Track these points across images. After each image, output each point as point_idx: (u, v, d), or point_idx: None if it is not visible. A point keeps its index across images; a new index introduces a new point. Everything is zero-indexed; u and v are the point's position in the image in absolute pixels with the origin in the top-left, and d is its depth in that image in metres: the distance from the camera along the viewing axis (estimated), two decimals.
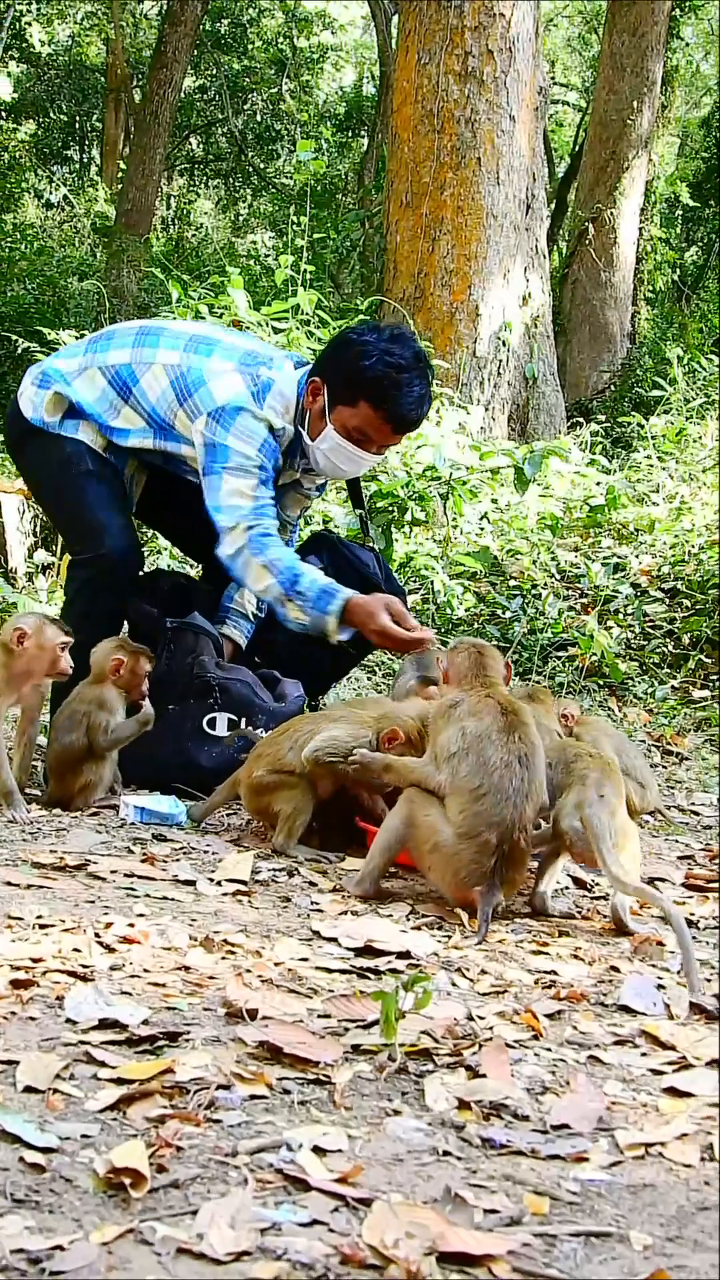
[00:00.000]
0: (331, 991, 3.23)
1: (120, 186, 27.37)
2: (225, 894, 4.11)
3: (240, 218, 33.32)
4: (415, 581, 9.30)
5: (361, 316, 12.71)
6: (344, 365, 5.47)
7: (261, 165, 32.27)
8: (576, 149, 24.80)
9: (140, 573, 5.93)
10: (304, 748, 4.73)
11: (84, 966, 3.21)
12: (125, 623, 5.92)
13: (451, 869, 4.08)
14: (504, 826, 4.01)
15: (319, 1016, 3.04)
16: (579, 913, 4.40)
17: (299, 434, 5.62)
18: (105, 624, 5.58)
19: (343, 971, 3.43)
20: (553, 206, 23.19)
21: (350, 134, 32.34)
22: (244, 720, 5.52)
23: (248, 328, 10.94)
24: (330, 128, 30.93)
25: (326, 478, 6.00)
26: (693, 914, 4.42)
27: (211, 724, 5.50)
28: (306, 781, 4.75)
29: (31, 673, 5.02)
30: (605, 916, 4.34)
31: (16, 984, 3.03)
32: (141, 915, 3.74)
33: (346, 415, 5.50)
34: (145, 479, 5.98)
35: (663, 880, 4.87)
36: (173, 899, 3.97)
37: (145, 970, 3.24)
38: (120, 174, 28.96)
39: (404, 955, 3.62)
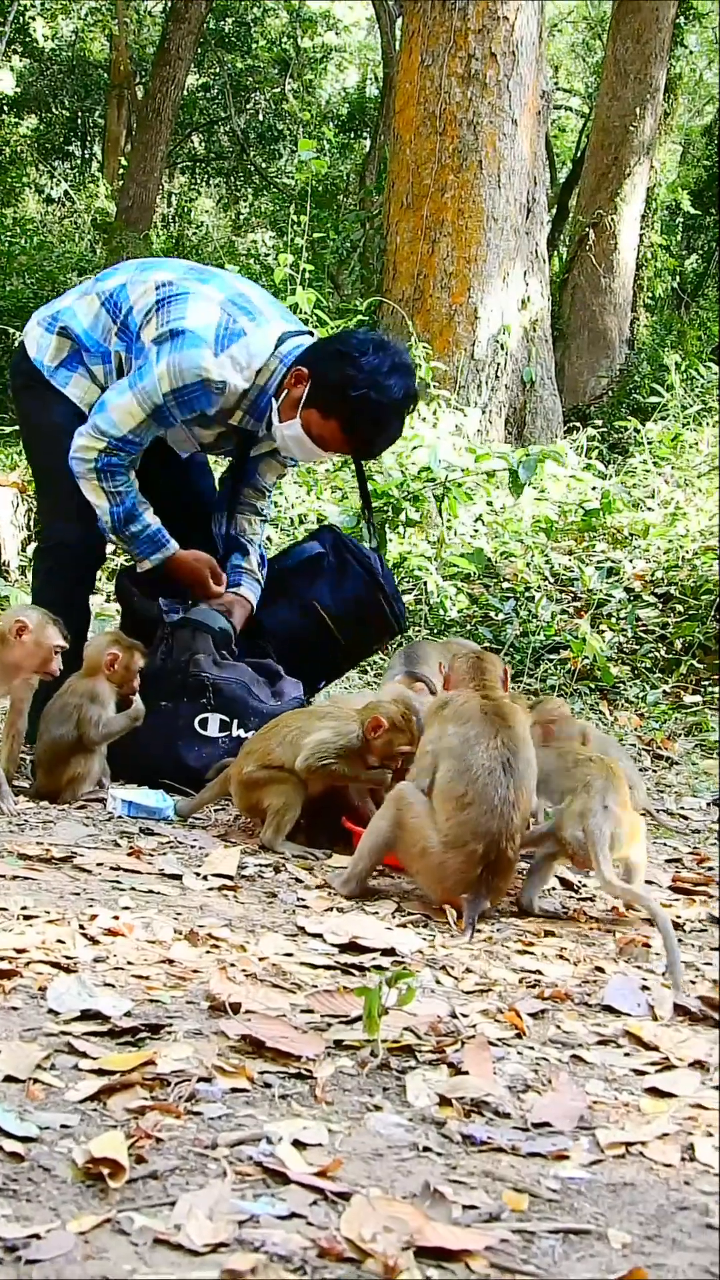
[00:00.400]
0: (315, 987, 3.23)
1: (121, 183, 27.40)
2: (211, 888, 4.11)
3: (241, 216, 33.34)
4: (409, 582, 9.31)
5: (360, 318, 12.72)
6: (333, 376, 5.40)
7: (263, 164, 32.29)
8: (578, 154, 24.83)
9: (100, 562, 5.96)
10: (292, 744, 4.75)
11: (67, 958, 3.21)
12: (121, 611, 5.93)
13: (438, 876, 4.08)
14: (491, 837, 4.01)
15: (302, 1011, 3.04)
16: (564, 912, 4.40)
17: (267, 402, 5.59)
18: (71, 614, 5.45)
19: (327, 967, 3.42)
20: (553, 211, 23.20)
21: (352, 135, 32.37)
22: (236, 722, 5.51)
23: None
24: (332, 128, 30.96)
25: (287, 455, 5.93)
26: (679, 916, 4.42)
27: (203, 724, 5.48)
28: (297, 778, 4.74)
29: (22, 667, 5.02)
30: (591, 917, 4.34)
31: (0, 974, 3.03)
32: (126, 908, 3.74)
33: (317, 421, 5.46)
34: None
35: (651, 883, 4.87)
36: (158, 892, 3.97)
37: (129, 962, 3.24)
38: (121, 170, 28.98)
39: (389, 952, 3.62)
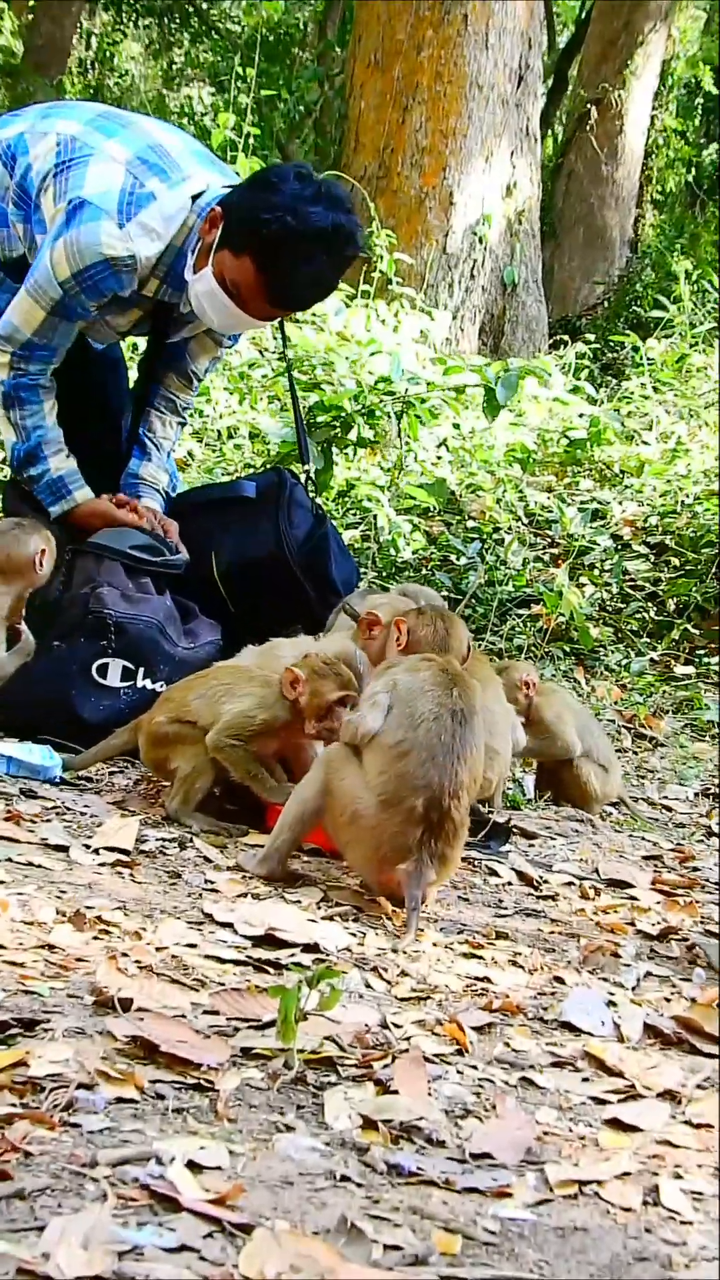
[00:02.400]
0: (222, 985, 3.24)
1: (30, 18, 27.09)
2: (103, 864, 4.11)
3: (174, 66, 33.04)
4: (356, 514, 9.29)
5: None
6: (246, 206, 5.35)
7: (204, 4, 32.01)
8: (583, 15, 24.70)
9: None
10: (212, 701, 4.76)
11: None
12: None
13: (372, 843, 4.08)
14: (431, 790, 4.01)
15: (205, 1012, 3.05)
16: (523, 910, 4.43)
17: (184, 265, 5.55)
18: None
19: (236, 962, 3.43)
20: (550, 82, 23.07)
21: None
22: (142, 670, 5.48)
23: None
24: None
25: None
26: (663, 920, 4.46)
27: (102, 671, 5.44)
28: None
29: None
30: (553, 919, 4.38)
31: None
32: (1, 882, 3.74)
33: (229, 263, 5.38)
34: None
35: (628, 885, 4.91)
36: (39, 866, 3.97)
37: (1, 946, 3.24)
38: (32, 2, 28.64)
39: (311, 948, 3.63)
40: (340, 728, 4.44)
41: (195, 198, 5.46)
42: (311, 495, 6.24)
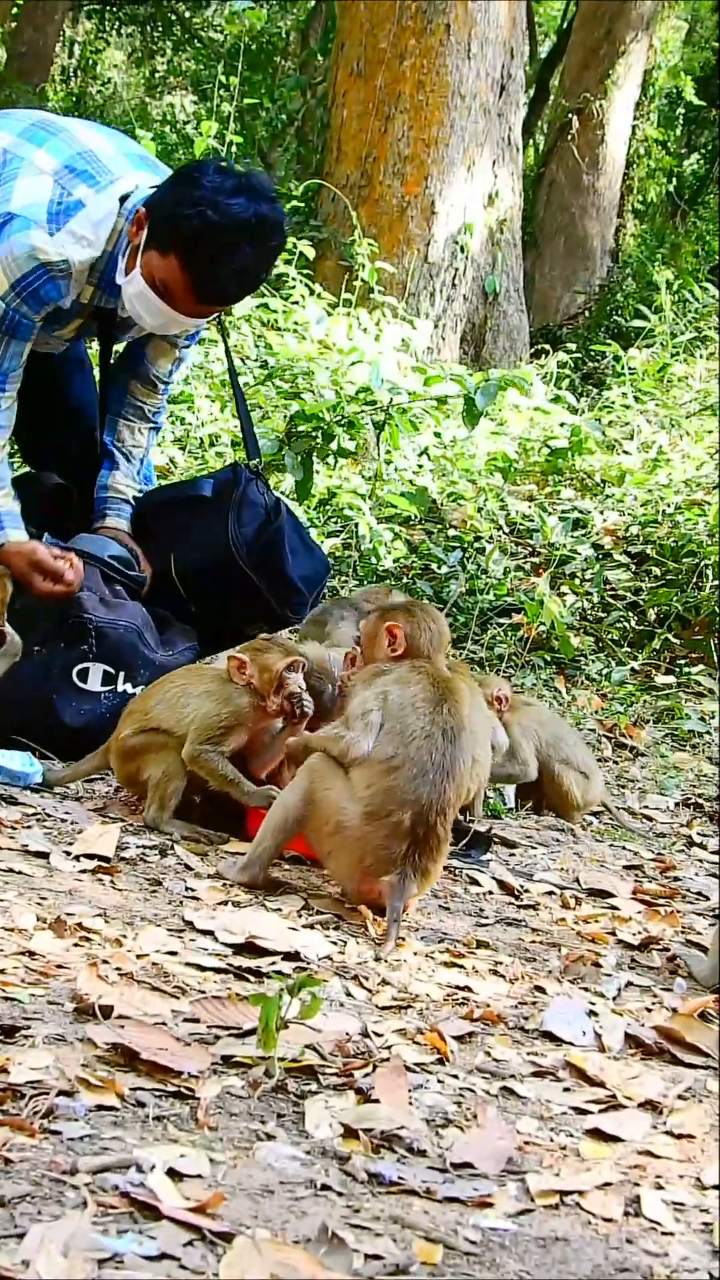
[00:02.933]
0: (202, 992, 3.23)
1: (14, 25, 27.09)
2: (83, 871, 4.10)
3: (157, 74, 33.05)
4: (337, 523, 9.29)
5: (296, 204, 12.68)
6: (169, 204, 5.30)
7: (186, 12, 32.02)
8: (565, 25, 24.73)
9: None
10: (173, 704, 4.78)
11: None
12: None
13: (355, 854, 4.08)
14: (419, 806, 4.02)
15: (185, 1020, 3.05)
16: (504, 919, 4.43)
17: (116, 265, 5.50)
18: None
19: (217, 970, 3.43)
20: (532, 92, 23.10)
21: None
22: (123, 675, 5.48)
23: None
24: None
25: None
26: (644, 930, 4.46)
27: (83, 675, 5.44)
28: (178, 741, 4.74)
29: None
30: (533, 928, 4.38)
31: None
32: None
33: (155, 263, 5.33)
34: None
35: (609, 895, 4.91)
36: (19, 872, 3.96)
37: None
38: (15, 10, 28.64)
39: (292, 956, 3.63)
40: (296, 697, 4.59)
41: (124, 200, 5.43)
42: (262, 492, 6.18)
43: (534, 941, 4.24)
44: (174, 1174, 2.34)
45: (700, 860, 5.71)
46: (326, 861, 4.27)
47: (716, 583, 9.04)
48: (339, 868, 4.20)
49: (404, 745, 4.04)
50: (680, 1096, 3.11)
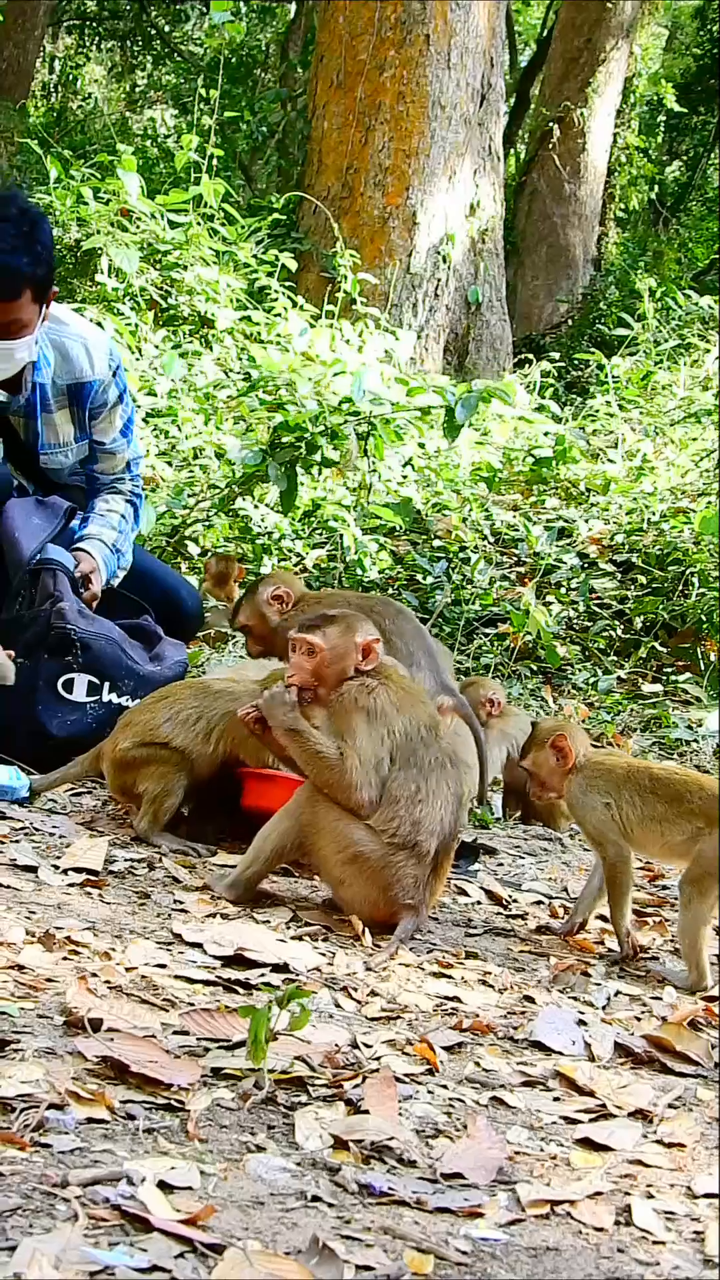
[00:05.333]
0: (192, 1005, 3.24)
1: None
2: (72, 884, 4.10)
3: (137, 89, 33.05)
4: (322, 534, 9.29)
5: (276, 215, 12.69)
6: None
7: (166, 27, 32.02)
8: (544, 33, 24.77)
9: None
10: (187, 724, 4.80)
11: None
12: None
13: (378, 883, 4.11)
14: (445, 833, 4.13)
15: (175, 1032, 3.05)
16: (493, 929, 4.43)
17: None
18: None
19: (207, 983, 3.44)
20: (512, 101, 23.15)
21: None
22: (107, 685, 5.49)
23: (139, 217, 10.89)
24: None
25: None
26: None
27: (68, 686, 5.45)
28: (181, 758, 4.75)
29: None
30: (521, 938, 4.38)
31: None
32: None
33: None
34: None
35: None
36: (8, 886, 3.96)
37: None
38: None
39: (281, 968, 3.64)
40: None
41: None
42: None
43: (523, 951, 4.24)
44: (165, 1186, 2.34)
45: None
46: (337, 889, 4.26)
47: (702, 590, 9.05)
48: (354, 895, 4.20)
49: (423, 778, 4.11)
50: (670, 1105, 3.12)
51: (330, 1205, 2.40)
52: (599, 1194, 2.59)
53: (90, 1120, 2.55)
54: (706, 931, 4.23)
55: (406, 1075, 3.05)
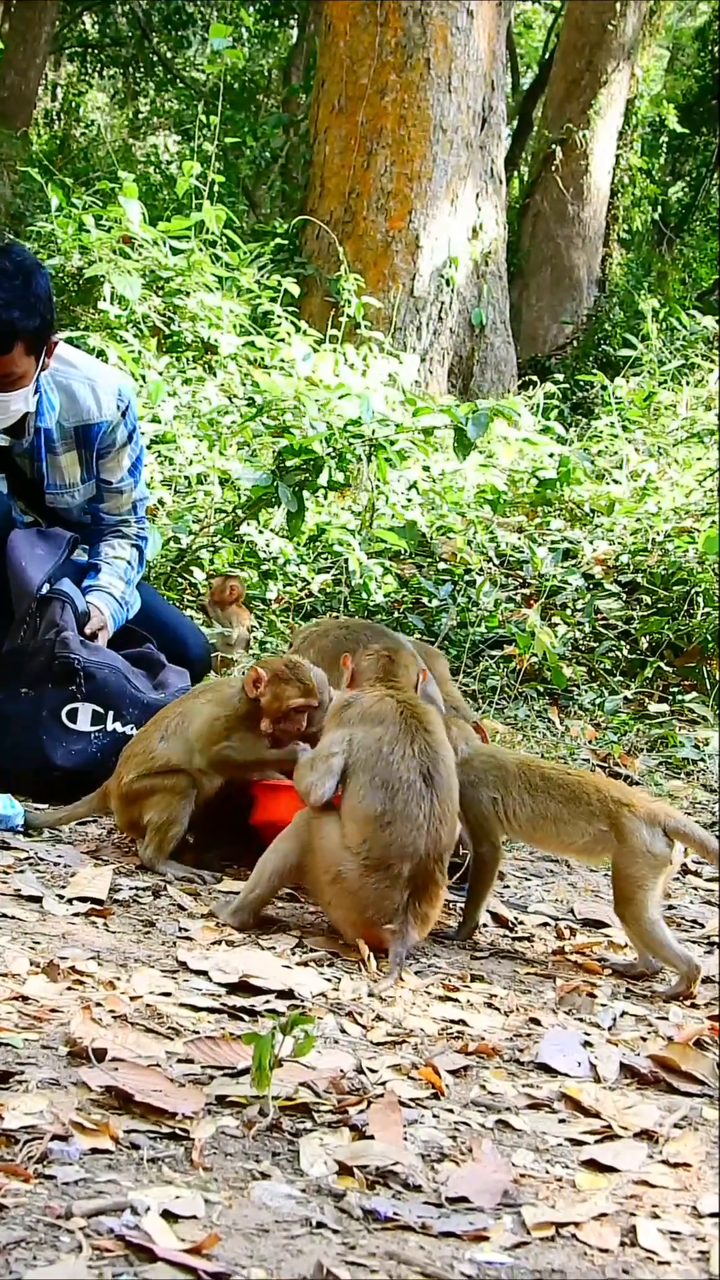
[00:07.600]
0: (196, 1033, 3.24)
1: None
2: (76, 914, 4.10)
3: (140, 115, 33.13)
4: (327, 559, 9.31)
5: (279, 241, 12.72)
6: None
7: (168, 54, 32.10)
8: (546, 56, 24.81)
9: None
10: (177, 734, 4.84)
11: None
12: None
13: (356, 905, 4.10)
14: (418, 857, 4.06)
15: (179, 1061, 3.05)
16: (498, 951, 4.43)
17: None
18: None
19: (211, 1010, 3.44)
20: (514, 124, 23.21)
21: (277, 22, 32.25)
22: (111, 714, 5.50)
23: (141, 244, 10.91)
24: (253, 13, 30.84)
25: None
26: (634, 964, 4.46)
27: (72, 715, 5.46)
28: (185, 783, 4.77)
29: None
30: (527, 960, 4.38)
31: None
32: None
33: None
34: None
35: (602, 924, 4.92)
36: (12, 917, 3.96)
37: None
38: None
39: (285, 994, 3.63)
40: (289, 736, 4.72)
41: None
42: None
43: (529, 973, 4.24)
44: (169, 1215, 2.34)
45: (695, 888, 5.71)
46: (328, 909, 4.28)
47: (707, 610, 9.05)
48: (340, 916, 4.20)
49: (390, 799, 4.07)
50: (676, 1125, 3.11)
51: (335, 1231, 2.40)
52: (604, 1215, 2.59)
53: (94, 1150, 2.54)
54: (660, 927, 4.29)
55: (412, 1100, 3.04)
